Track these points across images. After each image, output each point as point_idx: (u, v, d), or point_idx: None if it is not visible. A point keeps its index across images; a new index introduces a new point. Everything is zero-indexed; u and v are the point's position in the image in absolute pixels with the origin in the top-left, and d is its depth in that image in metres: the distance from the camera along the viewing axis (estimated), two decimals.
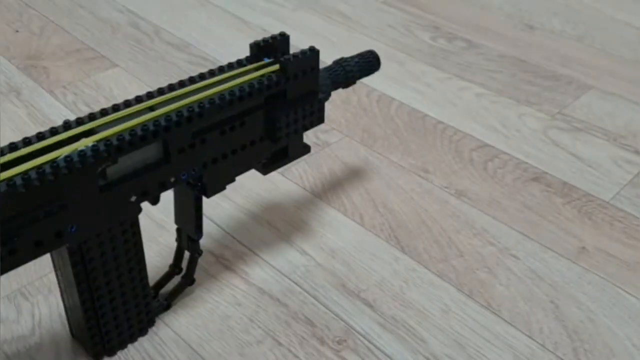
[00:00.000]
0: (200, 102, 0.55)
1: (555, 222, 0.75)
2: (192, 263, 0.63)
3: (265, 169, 0.65)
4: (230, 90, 0.57)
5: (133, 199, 0.54)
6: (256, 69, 0.60)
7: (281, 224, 0.74)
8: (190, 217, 0.61)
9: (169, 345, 0.61)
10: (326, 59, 1.05)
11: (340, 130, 0.89)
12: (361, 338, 0.62)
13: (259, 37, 0.63)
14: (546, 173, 0.81)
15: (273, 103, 0.61)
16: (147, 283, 0.59)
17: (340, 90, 0.97)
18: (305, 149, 0.67)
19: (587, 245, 0.72)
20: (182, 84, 0.58)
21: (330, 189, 0.79)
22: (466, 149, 0.86)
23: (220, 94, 0.56)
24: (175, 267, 0.65)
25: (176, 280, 0.65)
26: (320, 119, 0.66)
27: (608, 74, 1.01)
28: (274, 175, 0.81)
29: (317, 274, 0.68)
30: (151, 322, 0.62)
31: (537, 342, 0.62)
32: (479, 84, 0.99)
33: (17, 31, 1.15)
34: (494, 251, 0.71)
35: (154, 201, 0.57)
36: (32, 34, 1.14)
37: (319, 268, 0.69)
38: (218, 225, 0.74)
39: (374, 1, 1.22)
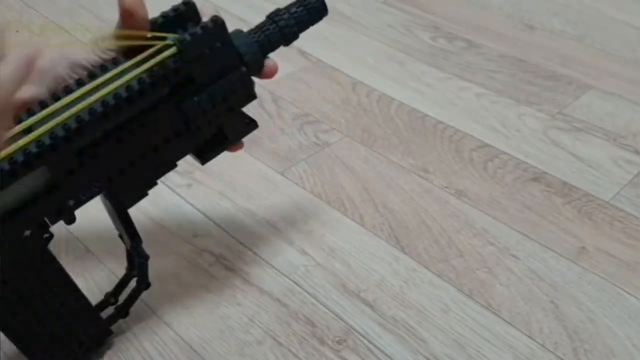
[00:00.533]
0: (78, 116, 0.46)
1: (555, 222, 0.75)
2: (142, 268, 0.58)
3: (202, 158, 0.57)
4: (115, 93, 0.48)
5: (27, 233, 0.48)
6: (156, 53, 0.49)
7: (281, 224, 0.74)
8: (121, 226, 0.56)
9: (169, 345, 0.61)
10: (326, 59, 1.05)
11: (340, 130, 0.89)
12: (361, 338, 0.62)
13: None
14: (546, 173, 0.81)
15: (180, 91, 0.51)
16: (85, 302, 0.56)
17: (340, 90, 0.97)
18: (250, 126, 0.57)
19: (587, 245, 0.72)
20: (68, 90, 0.48)
21: (330, 189, 0.79)
22: (466, 149, 0.86)
23: (103, 100, 0.47)
24: (131, 270, 0.61)
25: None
26: (249, 96, 0.55)
27: (608, 74, 1.01)
28: (274, 175, 0.81)
29: (317, 274, 0.68)
30: (107, 332, 0.59)
31: (537, 342, 0.62)
32: (479, 84, 0.99)
33: (17, 31, 1.15)
34: (494, 251, 0.71)
35: (69, 221, 0.50)
36: (32, 34, 1.13)
37: (319, 268, 0.69)
38: (218, 225, 0.74)
39: (374, 1, 1.22)
